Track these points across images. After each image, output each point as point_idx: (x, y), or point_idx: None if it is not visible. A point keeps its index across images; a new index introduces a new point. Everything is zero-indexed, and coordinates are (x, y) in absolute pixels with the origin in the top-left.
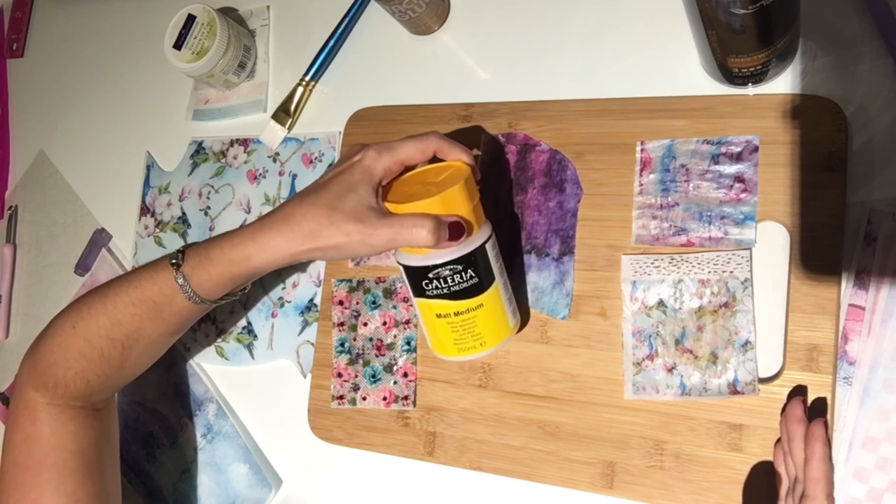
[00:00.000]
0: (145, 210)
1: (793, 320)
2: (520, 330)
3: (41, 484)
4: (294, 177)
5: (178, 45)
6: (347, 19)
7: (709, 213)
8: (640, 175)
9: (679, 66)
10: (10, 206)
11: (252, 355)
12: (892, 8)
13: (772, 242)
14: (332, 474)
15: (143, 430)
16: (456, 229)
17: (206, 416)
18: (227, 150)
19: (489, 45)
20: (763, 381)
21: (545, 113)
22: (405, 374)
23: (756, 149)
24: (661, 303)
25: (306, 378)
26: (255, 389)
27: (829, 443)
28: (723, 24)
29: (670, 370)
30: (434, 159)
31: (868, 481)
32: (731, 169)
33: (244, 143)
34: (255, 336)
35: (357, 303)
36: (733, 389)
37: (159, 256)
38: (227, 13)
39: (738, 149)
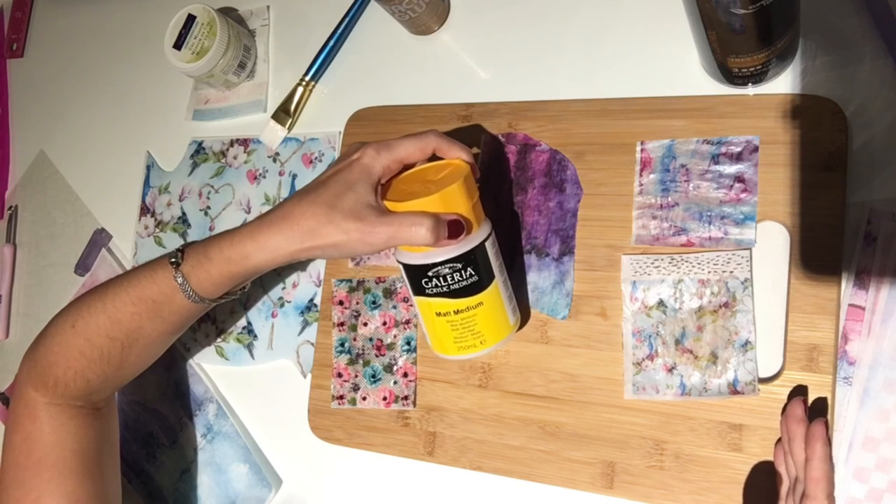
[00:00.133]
0: (145, 210)
1: (793, 320)
2: (520, 328)
3: (41, 483)
4: (294, 177)
5: (178, 45)
6: (347, 19)
7: (709, 213)
8: (640, 175)
9: (679, 66)
10: (10, 206)
11: (252, 355)
12: (892, 8)
13: (772, 242)
14: (332, 474)
15: (143, 430)
16: (455, 227)
17: (206, 416)
18: (227, 150)
19: (489, 45)
20: (763, 381)
21: (545, 113)
22: (405, 374)
23: (756, 149)
24: (661, 303)
25: (306, 378)
26: (255, 389)
27: (829, 443)
28: (723, 24)
29: (670, 370)
30: (433, 158)
31: (868, 481)
32: (731, 169)
33: (244, 143)
34: (255, 336)
35: (357, 303)
36: (733, 389)
37: (159, 255)
38: (227, 13)
39: (738, 149)
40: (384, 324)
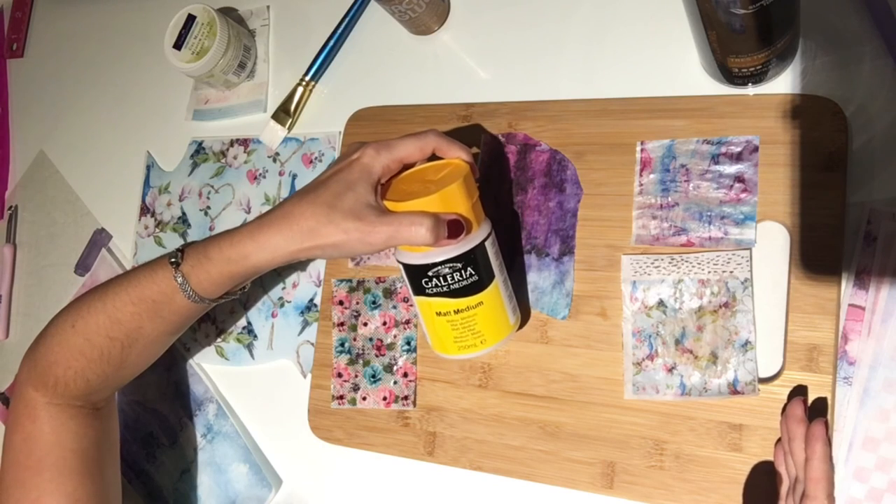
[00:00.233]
0: (145, 210)
1: (793, 320)
2: (520, 328)
3: (41, 483)
4: (294, 177)
5: (178, 45)
6: (347, 19)
7: (709, 213)
8: (640, 175)
9: (679, 66)
10: (10, 206)
11: (252, 355)
12: (892, 8)
13: (772, 242)
14: (332, 474)
15: (143, 430)
16: (455, 227)
17: (206, 416)
18: (227, 150)
19: (489, 45)
20: (763, 381)
21: (545, 113)
22: (405, 374)
23: (756, 149)
24: (661, 303)
25: (306, 378)
26: (255, 389)
27: (829, 443)
28: (723, 24)
29: (670, 370)
30: (433, 157)
31: (868, 481)
32: (731, 169)
33: (244, 143)
34: (255, 336)
35: (357, 303)
36: (733, 389)
37: (159, 255)
38: (227, 13)
39: (738, 149)
40: (384, 324)
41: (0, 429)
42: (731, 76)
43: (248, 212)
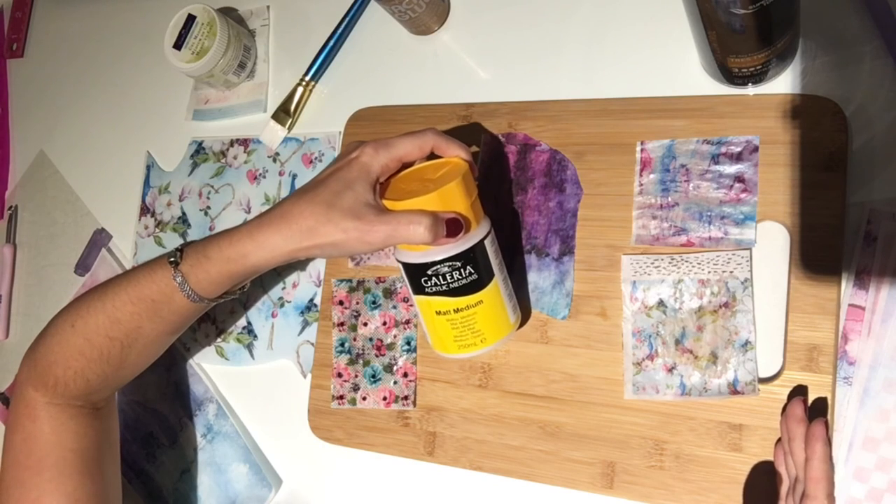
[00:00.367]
0: (145, 210)
1: (793, 320)
2: (520, 327)
3: (42, 483)
4: (294, 177)
5: (178, 45)
6: (347, 19)
7: (709, 213)
8: (640, 175)
9: (679, 66)
10: (10, 206)
11: (252, 355)
12: (892, 8)
13: (772, 242)
14: (332, 474)
15: (143, 430)
16: (453, 226)
17: (206, 416)
18: (227, 150)
19: (489, 45)
20: (763, 381)
21: (545, 113)
22: (405, 374)
23: (756, 149)
24: (661, 303)
25: (306, 378)
26: (255, 389)
27: (829, 442)
28: (723, 24)
29: (670, 370)
30: (432, 156)
31: (868, 481)
32: (731, 169)
33: (244, 143)
34: (255, 336)
35: (357, 303)
36: (733, 389)
37: (158, 255)
38: (227, 13)
39: (738, 149)
40: (384, 324)
41: (0, 429)
42: (731, 76)
43: (248, 212)
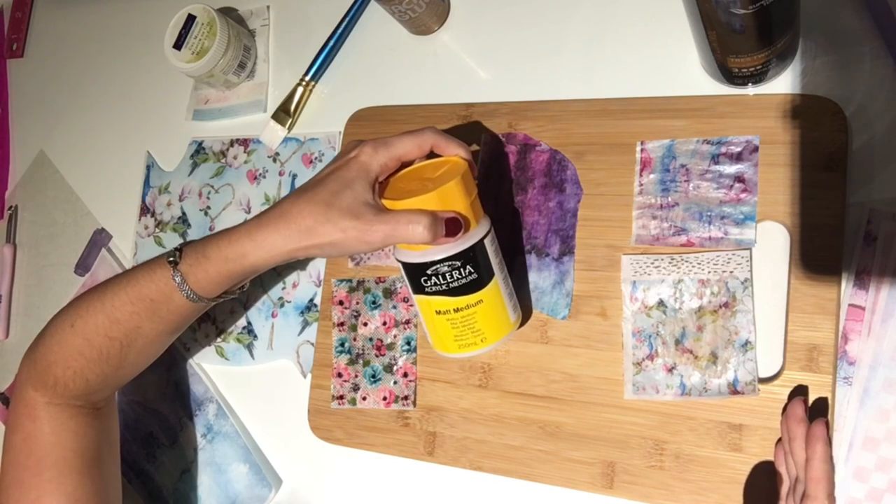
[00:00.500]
0: (145, 210)
1: (793, 320)
2: (520, 326)
3: (41, 483)
4: (294, 177)
5: (178, 45)
6: (347, 19)
7: (709, 213)
8: (640, 175)
9: (679, 66)
10: (10, 206)
11: (252, 355)
12: (892, 8)
13: (772, 242)
14: (332, 474)
15: (143, 430)
16: (453, 225)
17: (206, 416)
18: (227, 150)
19: (489, 45)
20: (763, 381)
21: (545, 113)
22: (405, 374)
23: (756, 149)
24: (661, 303)
25: (306, 378)
26: (255, 389)
27: (830, 443)
28: (723, 24)
29: (670, 370)
30: (432, 155)
31: (868, 481)
32: (731, 169)
33: (244, 143)
34: (255, 336)
35: (357, 303)
36: (733, 389)
37: (157, 255)
38: (227, 13)
39: (738, 149)
40: (384, 324)
41: (0, 429)
42: (731, 76)
43: (248, 212)
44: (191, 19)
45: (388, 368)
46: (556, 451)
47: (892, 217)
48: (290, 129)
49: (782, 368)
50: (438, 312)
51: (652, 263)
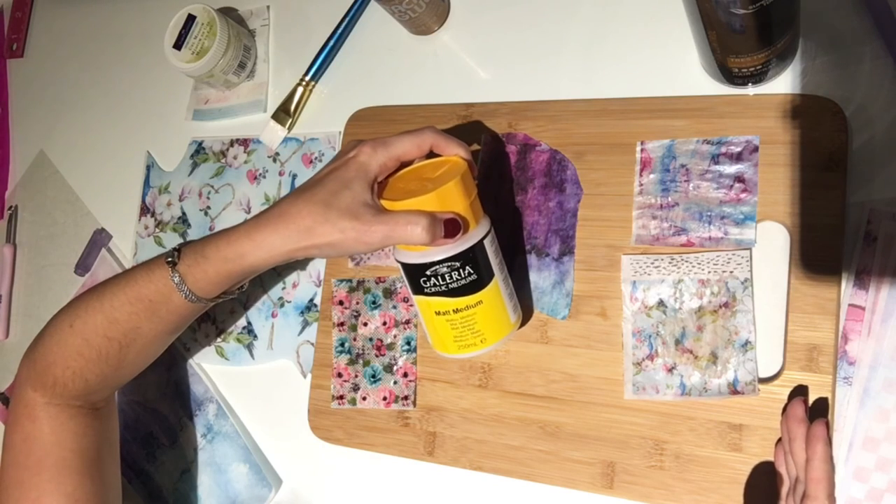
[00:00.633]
0: (145, 210)
1: (793, 320)
2: (521, 326)
3: (41, 483)
4: (294, 177)
5: (178, 45)
6: (347, 19)
7: (709, 213)
8: (640, 175)
9: (679, 66)
10: (10, 206)
11: (252, 355)
12: (892, 8)
13: (772, 242)
14: (332, 474)
15: (143, 430)
16: (452, 226)
17: (206, 416)
18: (227, 150)
19: (489, 45)
20: (763, 381)
21: (545, 113)
22: (405, 374)
23: (756, 149)
24: (661, 303)
25: (306, 378)
26: (255, 389)
27: (830, 443)
28: (723, 24)
29: (670, 370)
30: (431, 154)
31: (868, 481)
32: (731, 169)
33: (244, 143)
34: (255, 336)
35: (357, 303)
36: (733, 389)
37: (156, 255)
38: (227, 13)
39: (738, 149)
40: (384, 324)
41: (0, 429)
42: (731, 76)
43: (248, 212)
44: (191, 19)
45: (388, 368)
46: (556, 451)
47: (892, 217)
48: (290, 129)
49: (782, 368)
50: (438, 313)
51: (652, 263)
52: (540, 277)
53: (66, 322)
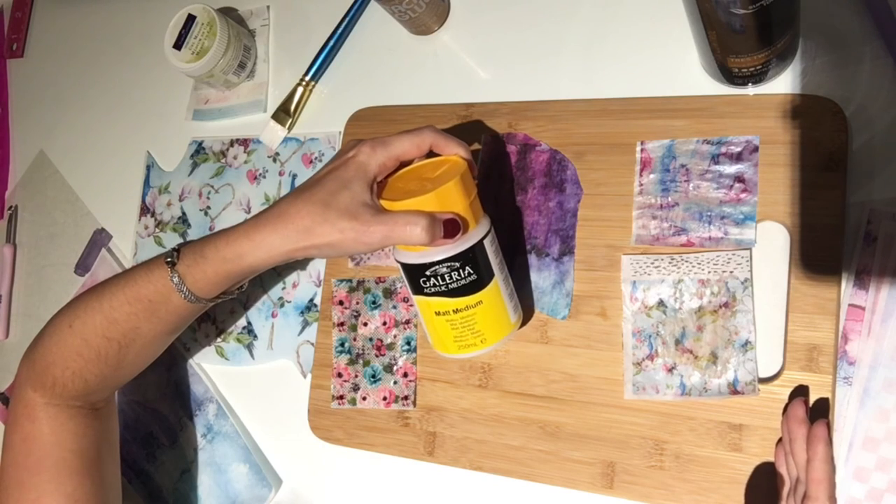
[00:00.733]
0: (145, 210)
1: (793, 320)
2: (521, 326)
3: (41, 483)
4: (294, 177)
5: (178, 45)
6: (347, 19)
7: (709, 213)
8: (640, 175)
9: (679, 66)
10: (10, 206)
11: (252, 355)
12: (892, 8)
13: (772, 242)
14: (332, 474)
15: (143, 430)
16: (451, 226)
17: (206, 416)
18: (227, 150)
19: (489, 45)
20: (763, 381)
21: (545, 113)
22: (405, 374)
23: (756, 149)
24: (661, 303)
25: (306, 378)
26: (255, 389)
27: (831, 443)
28: (723, 24)
29: (670, 370)
30: (431, 154)
31: (868, 481)
32: (731, 169)
33: (244, 143)
34: (255, 336)
35: (357, 303)
36: (733, 389)
37: (156, 255)
38: (227, 13)
39: (738, 149)
40: (384, 324)
41: (0, 429)
42: (731, 76)
43: (248, 212)
44: (191, 19)
45: (388, 368)
46: (556, 451)
47: (892, 217)
48: (290, 129)
49: (782, 368)
50: (438, 313)
51: (652, 263)
52: (540, 277)
53: (65, 322)
